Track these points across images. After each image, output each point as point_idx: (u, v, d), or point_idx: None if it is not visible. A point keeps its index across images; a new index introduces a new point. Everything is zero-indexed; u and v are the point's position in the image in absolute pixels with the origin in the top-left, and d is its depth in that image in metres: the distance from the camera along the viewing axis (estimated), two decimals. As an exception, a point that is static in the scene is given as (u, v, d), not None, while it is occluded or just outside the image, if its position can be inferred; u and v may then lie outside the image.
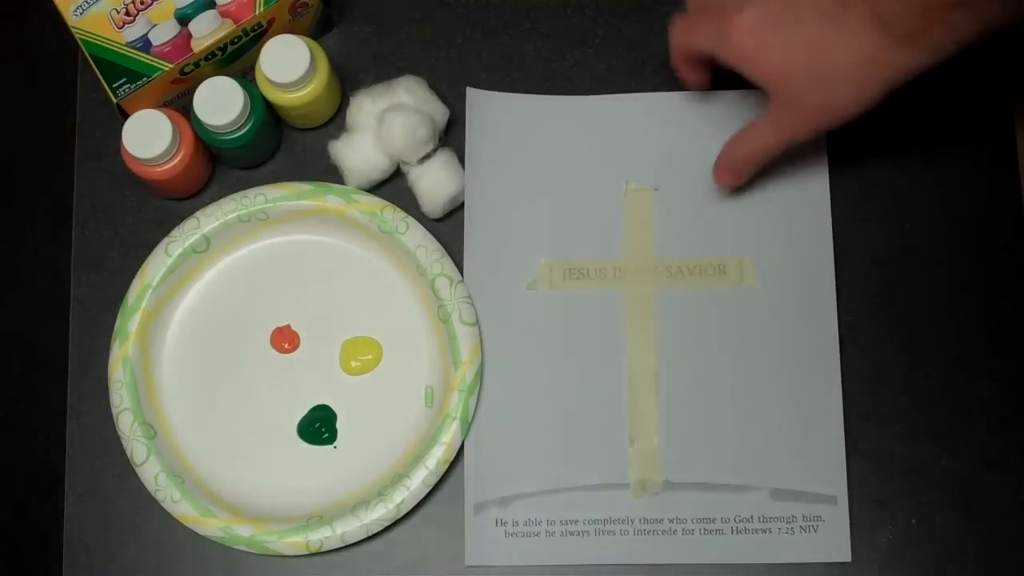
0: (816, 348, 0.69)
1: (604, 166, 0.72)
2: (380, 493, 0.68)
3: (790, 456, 0.68)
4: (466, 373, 0.68)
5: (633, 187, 0.71)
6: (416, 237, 0.70)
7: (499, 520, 0.68)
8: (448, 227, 0.73)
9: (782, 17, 0.59)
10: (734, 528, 0.68)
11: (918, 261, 0.72)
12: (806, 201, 0.71)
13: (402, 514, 0.67)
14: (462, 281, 0.70)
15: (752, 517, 0.68)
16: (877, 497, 0.69)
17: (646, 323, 0.70)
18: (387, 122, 0.68)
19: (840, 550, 0.68)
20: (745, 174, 0.68)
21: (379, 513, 0.67)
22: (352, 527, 0.67)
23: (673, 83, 0.71)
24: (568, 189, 0.72)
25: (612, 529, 0.68)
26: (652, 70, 0.74)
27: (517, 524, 0.68)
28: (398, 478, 0.68)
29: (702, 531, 0.68)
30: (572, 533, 0.68)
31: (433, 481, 0.67)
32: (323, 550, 0.67)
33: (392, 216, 0.70)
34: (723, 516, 0.68)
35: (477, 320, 0.69)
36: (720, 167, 0.68)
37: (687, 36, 0.65)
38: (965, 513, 0.69)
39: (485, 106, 0.73)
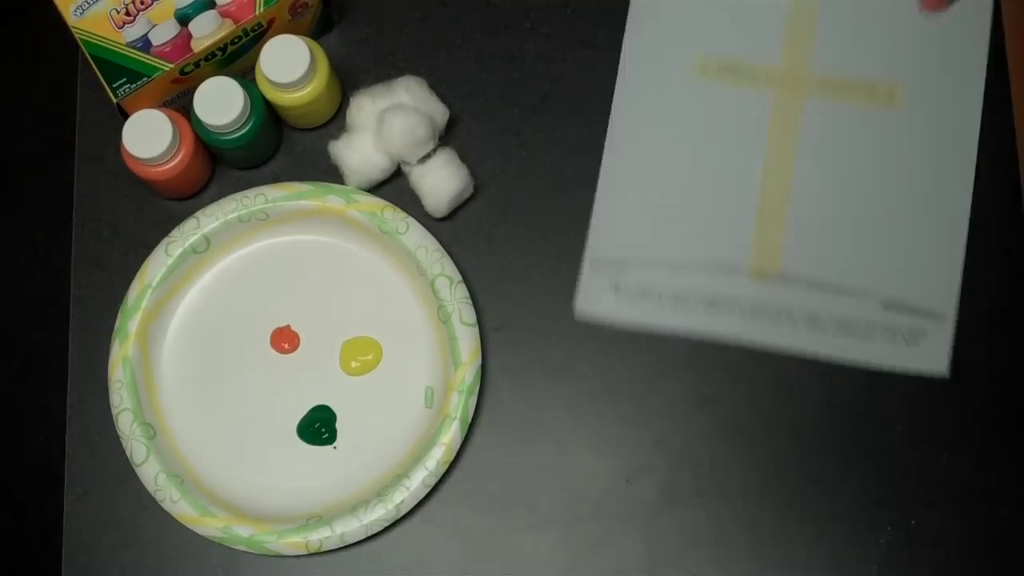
0: (949, 179, 0.71)
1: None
2: (380, 493, 0.68)
3: (906, 267, 0.70)
4: (466, 374, 0.68)
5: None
6: (416, 237, 0.70)
7: (613, 280, 0.71)
8: (449, 227, 0.73)
9: None
10: (838, 327, 0.70)
11: (918, 261, 0.72)
12: (964, 39, 0.73)
13: (402, 514, 0.67)
14: (462, 281, 0.70)
15: (859, 321, 0.70)
16: (878, 497, 0.69)
17: (790, 127, 0.72)
18: (387, 122, 0.68)
19: (939, 364, 0.69)
20: None
21: (379, 513, 0.67)
22: (352, 527, 0.67)
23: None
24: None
25: (722, 308, 0.70)
26: (652, 70, 0.74)
27: (631, 287, 0.71)
28: (398, 478, 0.68)
29: (807, 325, 0.70)
30: (683, 304, 0.70)
31: (433, 481, 0.67)
32: (322, 550, 0.67)
33: (392, 216, 0.70)
34: (830, 315, 0.70)
35: (477, 321, 0.69)
36: None
37: None
38: (965, 513, 0.69)
39: None
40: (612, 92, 0.74)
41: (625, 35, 0.73)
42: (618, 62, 0.74)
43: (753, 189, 0.71)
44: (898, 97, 0.72)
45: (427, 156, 0.70)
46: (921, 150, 0.71)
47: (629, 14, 0.74)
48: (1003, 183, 0.73)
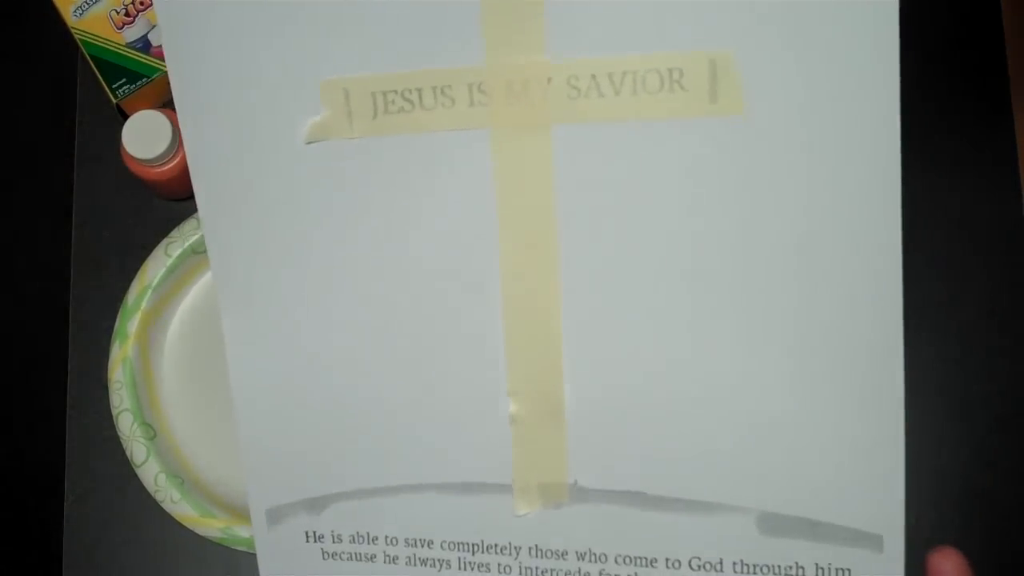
0: (859, 245, 0.37)
1: None
2: (380, 493, 0.68)
3: (799, 453, 0.37)
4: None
5: None
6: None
7: (310, 533, 0.43)
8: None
9: None
10: None
11: (918, 261, 0.72)
12: None
13: None
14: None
15: (721, 562, 0.38)
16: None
17: (535, 187, 0.37)
18: None
19: None
20: None
21: (379, 513, 0.67)
22: None
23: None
24: None
25: (487, 561, 0.40)
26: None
27: (339, 540, 0.42)
28: (398, 478, 0.68)
29: None
30: (426, 561, 0.41)
31: (433, 481, 0.67)
32: None
33: (392, 216, 0.70)
34: (669, 556, 0.38)
35: None
36: None
37: None
38: (965, 513, 0.69)
39: None
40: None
41: (176, 101, 0.40)
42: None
43: (493, 331, 0.38)
44: (727, 84, 0.35)
45: None
46: (790, 187, 0.35)
47: (168, 63, 0.39)
48: (1003, 183, 0.72)
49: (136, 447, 0.68)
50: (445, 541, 0.40)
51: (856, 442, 0.35)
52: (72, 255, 0.74)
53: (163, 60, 0.67)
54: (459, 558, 0.40)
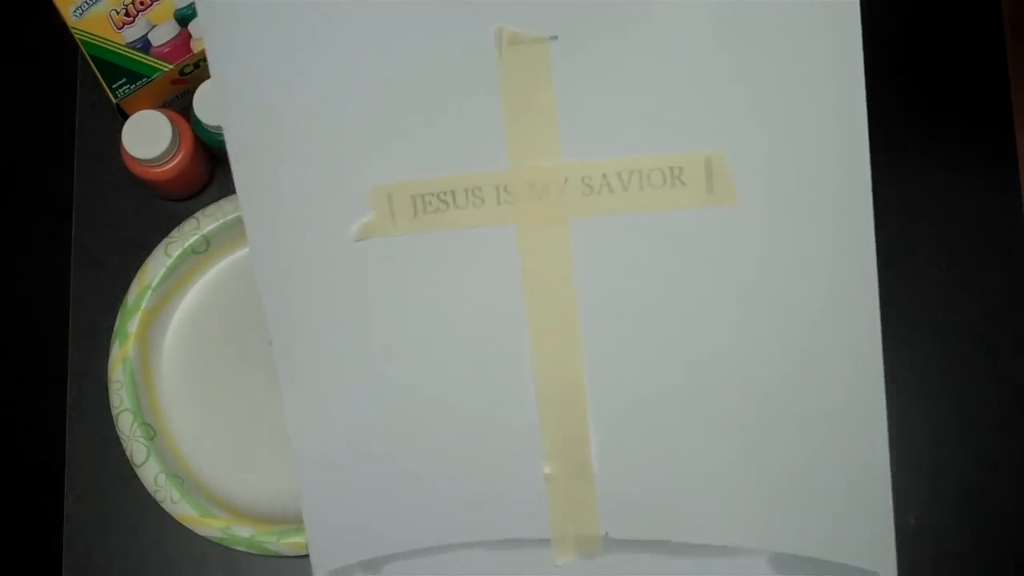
0: (840, 317, 0.41)
1: (454, 6, 0.40)
2: (380, 493, 0.68)
3: (803, 504, 0.41)
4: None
5: (511, 39, 0.39)
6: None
7: None
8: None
9: None
10: None
11: (918, 261, 0.72)
12: (820, 58, 0.38)
13: None
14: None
15: None
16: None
17: (556, 276, 0.41)
18: None
19: None
20: None
21: (379, 513, 0.67)
22: None
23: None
24: (392, 62, 0.41)
25: None
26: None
27: None
28: (398, 478, 0.68)
29: None
30: None
31: (433, 481, 0.67)
32: None
33: (392, 216, 0.70)
34: None
35: None
36: None
37: None
38: (965, 513, 0.69)
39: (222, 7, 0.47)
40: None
41: (243, 206, 0.45)
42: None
43: (526, 404, 0.41)
44: (720, 178, 0.39)
45: None
46: (779, 269, 0.40)
47: (236, 179, 0.45)
48: (1003, 183, 0.72)
49: (136, 447, 0.68)
50: None
51: (852, 494, 0.39)
52: (72, 255, 0.74)
53: (163, 60, 0.68)
54: None
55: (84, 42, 0.68)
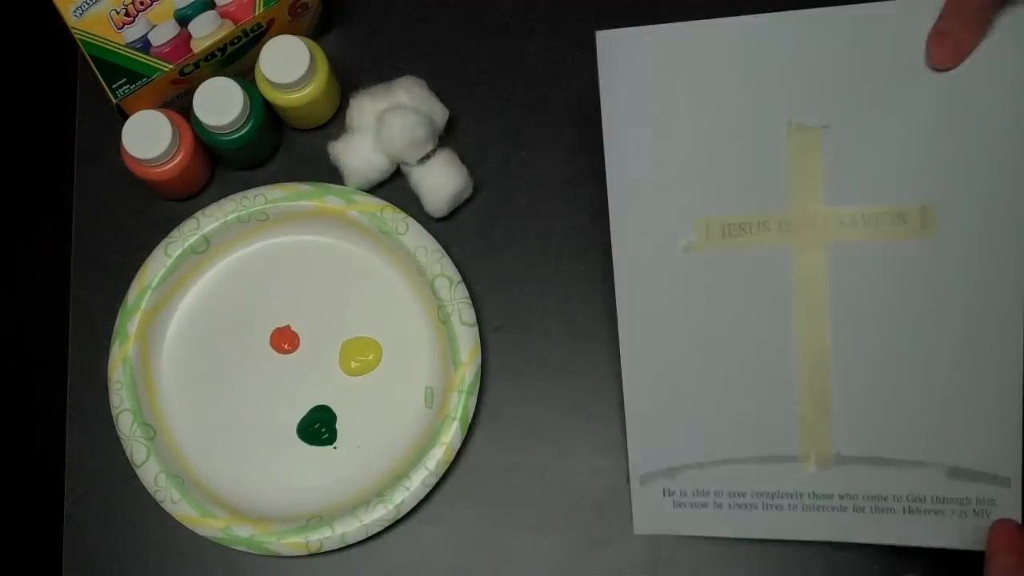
0: (998, 313, 0.61)
1: (761, 103, 0.62)
2: (380, 493, 0.68)
3: (967, 432, 0.62)
4: (466, 374, 0.68)
5: (797, 126, 0.62)
6: (416, 238, 0.70)
7: (667, 490, 0.67)
8: (449, 227, 0.73)
9: None
10: (907, 508, 0.64)
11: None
12: (997, 139, 0.61)
13: (402, 514, 0.67)
14: (462, 281, 0.70)
15: (925, 497, 0.63)
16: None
17: (817, 281, 0.63)
18: (386, 123, 0.68)
19: None
20: (967, 43, 0.59)
21: (379, 513, 0.67)
22: (352, 527, 0.67)
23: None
24: (721, 134, 0.63)
25: (781, 503, 0.65)
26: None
27: (685, 495, 0.66)
28: (398, 478, 0.68)
29: (873, 509, 0.64)
30: (740, 506, 0.66)
31: (433, 481, 0.67)
32: (323, 550, 0.67)
33: (392, 217, 0.70)
34: (895, 494, 0.64)
35: (477, 321, 0.69)
36: (936, 35, 0.59)
37: None
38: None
39: (617, 48, 0.64)
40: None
41: (611, 221, 0.65)
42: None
43: (790, 364, 0.64)
44: (929, 220, 0.62)
45: (427, 157, 0.70)
46: (963, 281, 0.62)
47: (609, 199, 0.65)
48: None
49: (136, 447, 0.68)
50: (754, 492, 0.65)
51: (999, 426, 0.62)
52: (72, 255, 0.74)
53: (163, 60, 0.68)
54: (763, 502, 0.65)
55: (84, 42, 0.68)
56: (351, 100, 0.71)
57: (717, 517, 0.66)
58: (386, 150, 0.69)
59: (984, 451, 0.62)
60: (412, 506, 0.67)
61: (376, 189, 0.73)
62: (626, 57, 0.64)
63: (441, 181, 0.70)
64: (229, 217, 0.71)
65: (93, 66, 0.68)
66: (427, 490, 0.67)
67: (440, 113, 0.71)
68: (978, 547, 0.62)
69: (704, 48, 0.63)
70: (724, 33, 0.62)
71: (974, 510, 0.63)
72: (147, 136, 0.68)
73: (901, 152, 0.62)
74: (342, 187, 0.71)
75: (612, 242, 0.65)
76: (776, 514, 0.65)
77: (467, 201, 0.73)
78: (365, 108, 0.70)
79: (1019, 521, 0.62)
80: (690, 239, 0.64)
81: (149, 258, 0.70)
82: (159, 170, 0.69)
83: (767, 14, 0.61)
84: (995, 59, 0.59)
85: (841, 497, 0.64)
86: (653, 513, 0.67)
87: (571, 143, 0.74)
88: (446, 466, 0.68)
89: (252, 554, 0.69)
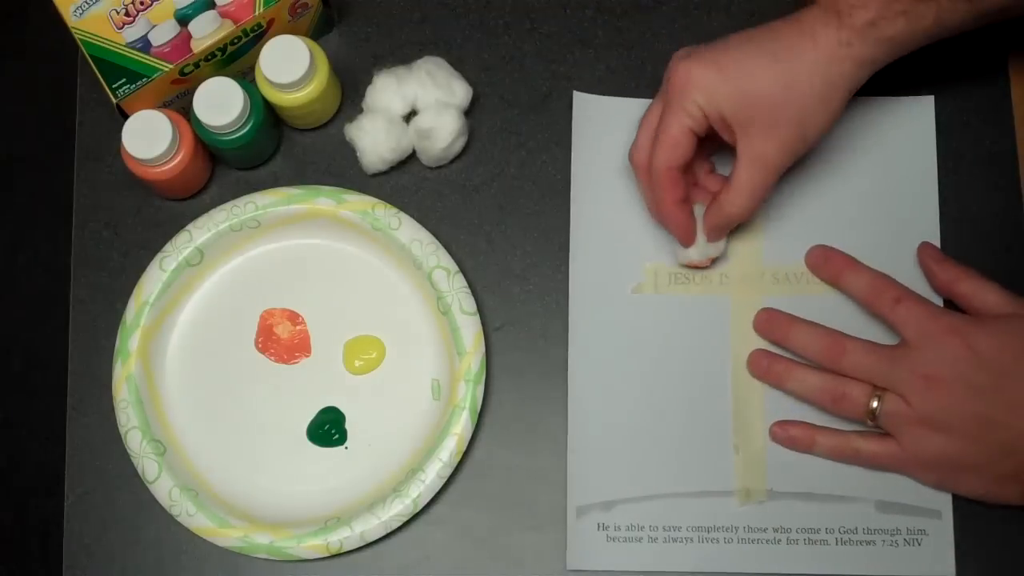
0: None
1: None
2: (396, 489, 0.67)
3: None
4: (471, 362, 0.68)
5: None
6: (409, 232, 0.70)
7: (601, 524, 0.68)
8: (448, 227, 0.73)
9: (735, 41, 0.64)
10: (838, 539, 0.68)
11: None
12: (911, 208, 0.72)
13: (419, 508, 0.67)
14: (459, 271, 0.70)
15: (856, 528, 0.68)
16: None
17: (752, 330, 0.70)
18: (431, 138, 0.70)
19: (944, 565, 0.67)
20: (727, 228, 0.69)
21: (397, 509, 0.67)
22: (371, 525, 0.67)
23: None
24: None
25: (716, 537, 0.68)
26: (652, 70, 0.74)
27: (619, 529, 0.68)
28: (412, 472, 0.68)
29: (806, 541, 0.68)
30: (675, 540, 0.68)
31: (447, 473, 0.67)
32: (343, 551, 0.67)
33: (384, 213, 0.70)
34: (827, 527, 0.68)
35: (477, 309, 0.69)
36: (712, 230, 0.68)
37: (646, 134, 0.67)
38: (965, 513, 0.69)
39: (591, 111, 0.73)
40: (613, 93, 0.74)
41: (570, 260, 0.71)
42: (618, 62, 0.74)
43: (726, 402, 0.69)
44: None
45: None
46: (882, 329, 0.69)
47: (571, 238, 0.71)
48: (1003, 183, 0.72)
49: (147, 464, 0.68)
50: (690, 526, 0.68)
51: None
52: (72, 255, 0.74)
53: (163, 60, 0.68)
54: (699, 535, 0.68)
55: (84, 42, 0.68)
56: (375, 78, 0.71)
57: (651, 551, 0.68)
58: (424, 158, 0.72)
59: (911, 485, 0.67)
60: (429, 499, 0.67)
61: (392, 171, 0.72)
62: (598, 118, 0.73)
63: (443, 127, 0.71)
64: (221, 227, 0.70)
65: (93, 66, 0.68)
66: (442, 482, 0.67)
67: (464, 91, 0.71)
68: (912, 572, 0.67)
69: None
70: None
71: (905, 539, 0.67)
72: (147, 136, 0.68)
73: (826, 221, 0.71)
74: (332, 188, 0.71)
75: (570, 278, 0.71)
76: (712, 547, 0.68)
77: (467, 200, 0.73)
78: (390, 87, 0.71)
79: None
80: (640, 281, 0.71)
81: (144, 274, 0.70)
82: (159, 170, 0.69)
83: None
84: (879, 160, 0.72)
85: (775, 530, 0.68)
86: (586, 548, 0.68)
87: (571, 143, 0.74)
88: (459, 456, 0.68)
89: (252, 555, 0.69)
